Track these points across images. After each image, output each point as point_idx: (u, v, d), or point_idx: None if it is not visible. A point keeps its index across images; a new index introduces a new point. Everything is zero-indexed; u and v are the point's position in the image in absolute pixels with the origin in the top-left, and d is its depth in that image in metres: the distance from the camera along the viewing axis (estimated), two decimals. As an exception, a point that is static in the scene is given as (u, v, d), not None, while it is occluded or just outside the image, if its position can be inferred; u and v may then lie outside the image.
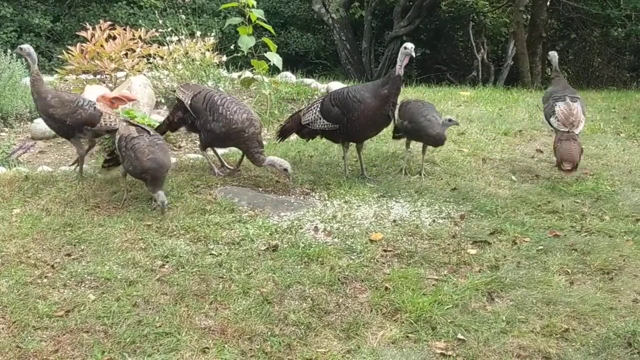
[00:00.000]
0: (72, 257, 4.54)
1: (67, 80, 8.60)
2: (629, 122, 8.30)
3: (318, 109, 5.86)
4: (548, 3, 16.05)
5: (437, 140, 5.89)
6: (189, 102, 5.78)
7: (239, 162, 6.03)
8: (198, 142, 6.12)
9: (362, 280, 4.36)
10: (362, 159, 6.01)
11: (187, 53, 7.76)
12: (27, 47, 5.81)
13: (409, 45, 5.66)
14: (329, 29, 17.71)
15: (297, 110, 6.39)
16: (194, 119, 5.80)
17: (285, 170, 5.62)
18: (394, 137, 6.54)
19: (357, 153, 6.04)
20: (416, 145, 6.31)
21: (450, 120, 5.91)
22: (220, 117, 5.62)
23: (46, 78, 9.26)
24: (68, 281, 4.26)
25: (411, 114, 5.96)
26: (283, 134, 6.31)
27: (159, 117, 7.29)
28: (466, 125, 7.60)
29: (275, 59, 7.61)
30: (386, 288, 4.26)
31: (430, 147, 6.13)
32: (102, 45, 7.88)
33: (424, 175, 5.95)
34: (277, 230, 4.95)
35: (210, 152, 6.01)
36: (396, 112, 6.00)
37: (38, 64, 5.74)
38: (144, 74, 7.79)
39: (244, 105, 5.85)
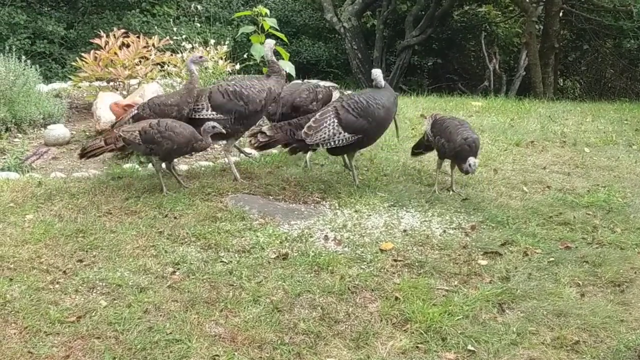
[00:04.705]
0: (84, 263, 4.56)
1: (80, 87, 8.67)
2: (641, 133, 8.27)
3: (335, 124, 5.61)
4: (561, 14, 16.05)
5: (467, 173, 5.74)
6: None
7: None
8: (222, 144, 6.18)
9: (372, 290, 4.36)
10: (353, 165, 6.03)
11: (200, 61, 7.80)
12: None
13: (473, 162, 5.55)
14: (340, 37, 17.78)
15: (286, 122, 5.84)
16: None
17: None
18: (414, 154, 6.46)
19: (348, 161, 6.02)
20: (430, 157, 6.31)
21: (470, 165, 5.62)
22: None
23: (59, 85, 9.39)
24: (80, 287, 4.28)
25: (449, 134, 5.75)
26: (266, 146, 5.84)
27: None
28: (478, 135, 7.59)
29: (288, 67, 7.64)
30: (396, 298, 4.25)
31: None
32: (115, 53, 7.95)
33: (456, 190, 5.92)
34: (287, 238, 4.96)
35: (233, 158, 6.04)
36: (428, 128, 5.97)
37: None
38: (157, 82, 7.84)
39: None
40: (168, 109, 5.78)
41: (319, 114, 5.71)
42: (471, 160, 5.56)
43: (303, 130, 5.64)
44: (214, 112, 5.83)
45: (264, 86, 5.94)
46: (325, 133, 5.62)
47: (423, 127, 7.76)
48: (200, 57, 6.15)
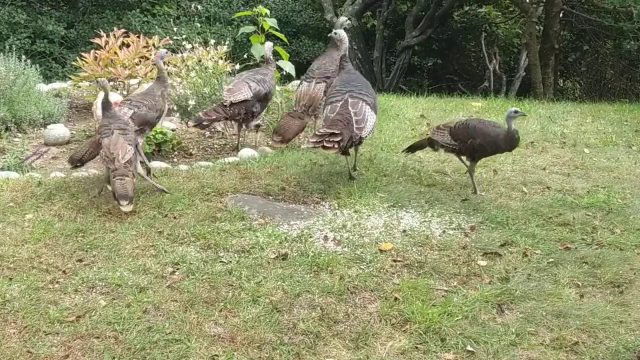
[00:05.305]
0: (84, 262, 4.57)
1: (80, 87, 8.67)
2: (641, 134, 8.26)
3: (369, 110, 5.75)
4: (561, 14, 16.05)
5: (514, 139, 5.71)
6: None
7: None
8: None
9: (372, 290, 4.36)
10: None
11: (200, 61, 7.81)
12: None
13: None
14: (340, 38, 17.73)
15: (334, 118, 5.67)
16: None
17: None
18: (407, 152, 6.45)
19: (354, 155, 6.13)
20: (427, 156, 6.29)
21: (516, 111, 5.71)
22: None
23: (59, 84, 9.38)
24: (79, 287, 4.28)
25: (480, 130, 5.76)
26: (345, 149, 5.67)
27: (170, 124, 7.34)
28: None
29: (288, 67, 7.66)
30: (395, 298, 4.26)
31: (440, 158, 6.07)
32: (115, 53, 7.95)
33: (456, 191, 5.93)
34: (286, 238, 4.97)
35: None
36: (446, 138, 5.93)
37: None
38: (157, 82, 7.82)
39: None
40: (152, 120, 5.98)
41: (350, 106, 5.71)
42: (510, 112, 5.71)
43: (355, 127, 5.62)
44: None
45: (271, 72, 6.89)
46: (370, 122, 5.75)
47: (423, 128, 7.78)
48: (167, 52, 6.54)
